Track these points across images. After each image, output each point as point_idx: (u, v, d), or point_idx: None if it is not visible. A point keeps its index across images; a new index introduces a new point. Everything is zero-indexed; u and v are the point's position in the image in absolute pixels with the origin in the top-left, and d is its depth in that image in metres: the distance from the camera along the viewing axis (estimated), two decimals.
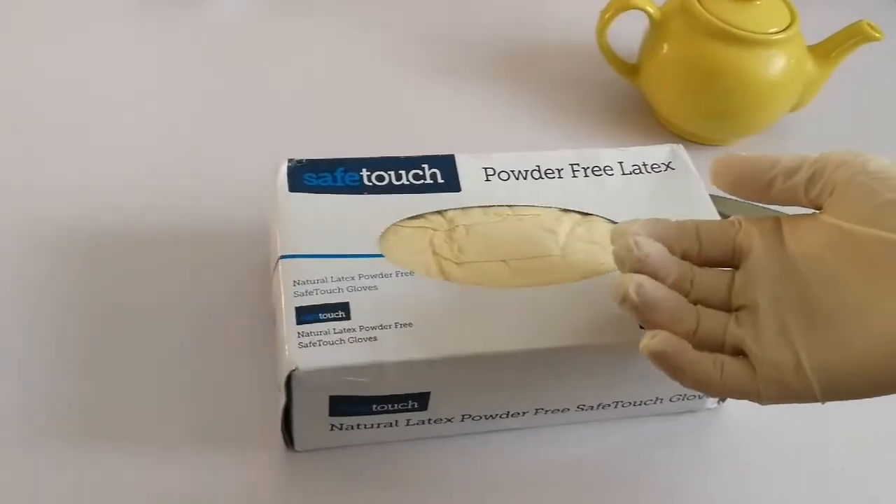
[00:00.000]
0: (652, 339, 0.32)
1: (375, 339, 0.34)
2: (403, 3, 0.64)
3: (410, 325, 0.35)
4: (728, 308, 0.34)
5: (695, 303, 0.34)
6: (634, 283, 0.32)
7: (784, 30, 0.52)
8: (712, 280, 0.34)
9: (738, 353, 0.33)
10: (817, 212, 0.34)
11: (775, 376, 0.31)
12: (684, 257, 0.34)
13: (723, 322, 0.33)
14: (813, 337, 0.31)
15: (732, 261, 0.35)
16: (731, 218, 0.36)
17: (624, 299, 0.32)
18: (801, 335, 0.31)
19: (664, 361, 0.32)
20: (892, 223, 0.30)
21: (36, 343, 0.41)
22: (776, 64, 0.52)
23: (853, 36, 0.53)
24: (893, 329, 0.29)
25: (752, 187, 0.34)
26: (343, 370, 0.34)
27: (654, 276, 0.33)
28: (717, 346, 0.33)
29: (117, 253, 0.45)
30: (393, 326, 0.35)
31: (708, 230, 0.35)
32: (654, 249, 0.33)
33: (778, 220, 0.35)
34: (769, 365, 0.31)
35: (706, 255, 0.35)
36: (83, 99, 0.53)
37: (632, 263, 0.33)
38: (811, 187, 0.33)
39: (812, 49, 0.54)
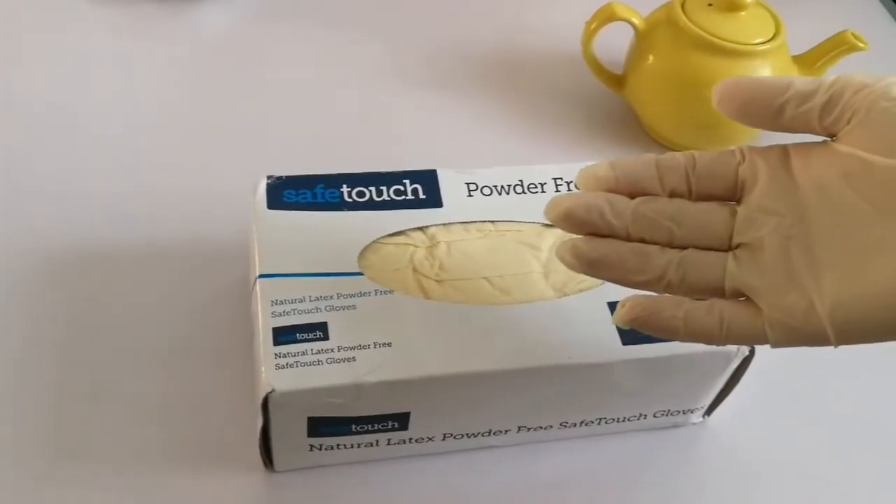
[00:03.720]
0: (620, 310, 0.31)
1: (354, 359, 0.34)
2: (387, 16, 0.63)
3: (390, 344, 0.35)
4: (727, 247, 0.32)
5: (685, 244, 0.31)
6: (567, 248, 0.31)
7: (769, 40, 0.52)
8: (706, 216, 0.32)
9: (740, 295, 0.31)
10: (830, 140, 0.31)
11: (785, 320, 0.29)
12: (673, 195, 0.32)
13: (718, 262, 0.31)
14: (826, 276, 0.29)
15: (734, 195, 0.32)
16: (733, 148, 0.33)
17: (570, 267, 0.31)
18: (812, 275, 0.29)
19: (645, 328, 0.31)
20: None
21: (8, 360, 0.40)
22: (761, 74, 0.51)
23: (838, 46, 0.52)
24: None
25: (761, 112, 0.31)
26: (321, 391, 0.33)
27: (596, 231, 0.31)
28: (713, 290, 0.31)
29: (94, 269, 0.44)
30: (372, 346, 0.34)
31: (705, 162, 0.32)
32: (573, 202, 0.31)
33: (786, 149, 0.32)
34: (777, 308, 0.30)
35: (703, 191, 0.32)
36: (62, 113, 0.53)
37: (565, 229, 0.32)
38: (827, 113, 0.30)
39: (797, 59, 0.54)
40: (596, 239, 0.32)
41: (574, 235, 0.32)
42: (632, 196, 0.32)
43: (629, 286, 0.32)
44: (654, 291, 0.32)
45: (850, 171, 0.30)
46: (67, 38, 0.58)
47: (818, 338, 0.29)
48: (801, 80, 0.31)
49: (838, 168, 0.30)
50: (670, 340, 0.31)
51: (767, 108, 0.31)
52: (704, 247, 0.32)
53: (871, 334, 0.29)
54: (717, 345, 0.31)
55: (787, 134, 0.32)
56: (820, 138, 0.32)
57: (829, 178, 0.30)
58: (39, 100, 0.53)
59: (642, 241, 0.32)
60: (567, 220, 0.32)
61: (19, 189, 0.48)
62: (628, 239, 0.32)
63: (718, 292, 0.31)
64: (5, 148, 0.50)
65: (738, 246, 0.31)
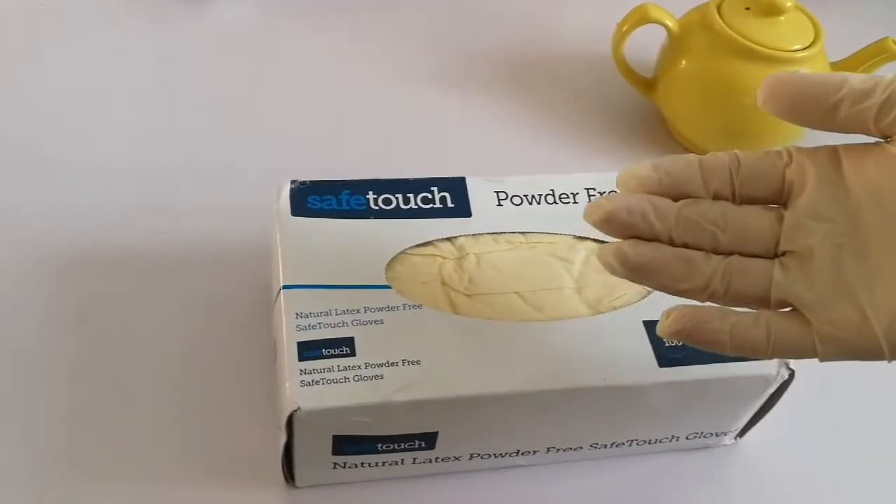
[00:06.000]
0: (665, 321, 0.29)
1: (381, 377, 0.33)
2: (415, 13, 0.62)
3: (418, 362, 0.33)
4: (773, 254, 0.30)
5: (729, 250, 0.30)
6: (611, 251, 0.29)
7: (807, 47, 0.50)
8: (751, 221, 0.30)
9: (786, 305, 0.29)
10: (883, 141, 0.29)
11: (836, 334, 0.28)
12: (716, 198, 0.30)
13: (763, 271, 0.29)
14: (881, 289, 0.27)
15: (780, 198, 0.30)
16: (780, 148, 0.31)
17: (613, 272, 0.30)
18: (865, 286, 0.28)
19: (690, 340, 0.29)
20: None
21: (28, 372, 0.39)
22: None
23: (878, 53, 0.51)
24: None
25: (812, 110, 0.29)
26: (347, 410, 0.32)
27: (639, 235, 0.29)
28: (758, 300, 0.29)
29: (114, 278, 0.43)
30: (400, 364, 0.33)
31: (750, 164, 0.30)
32: (615, 205, 0.29)
33: (836, 150, 0.30)
34: (828, 321, 0.28)
35: (748, 193, 0.30)
36: (80, 113, 0.51)
37: (606, 232, 0.30)
38: (885, 114, 0.28)
39: (835, 66, 0.52)
40: (642, 243, 0.30)
41: (615, 240, 0.30)
42: (674, 199, 0.30)
43: (671, 293, 0.30)
44: (696, 300, 0.30)
45: None
46: (83, 32, 0.57)
47: (872, 353, 0.28)
48: (856, 78, 0.29)
49: (894, 173, 0.28)
50: (716, 353, 0.30)
51: (819, 107, 0.29)
52: (748, 253, 0.30)
53: None
54: (764, 358, 0.29)
55: (832, 134, 0.30)
56: (872, 139, 0.30)
57: (885, 183, 0.29)
58: (53, 97, 0.52)
59: (685, 246, 0.30)
60: (609, 223, 0.30)
61: (36, 196, 0.46)
62: (671, 244, 0.30)
63: (763, 302, 0.29)
64: (20, 144, 0.49)
65: (784, 253, 0.30)
